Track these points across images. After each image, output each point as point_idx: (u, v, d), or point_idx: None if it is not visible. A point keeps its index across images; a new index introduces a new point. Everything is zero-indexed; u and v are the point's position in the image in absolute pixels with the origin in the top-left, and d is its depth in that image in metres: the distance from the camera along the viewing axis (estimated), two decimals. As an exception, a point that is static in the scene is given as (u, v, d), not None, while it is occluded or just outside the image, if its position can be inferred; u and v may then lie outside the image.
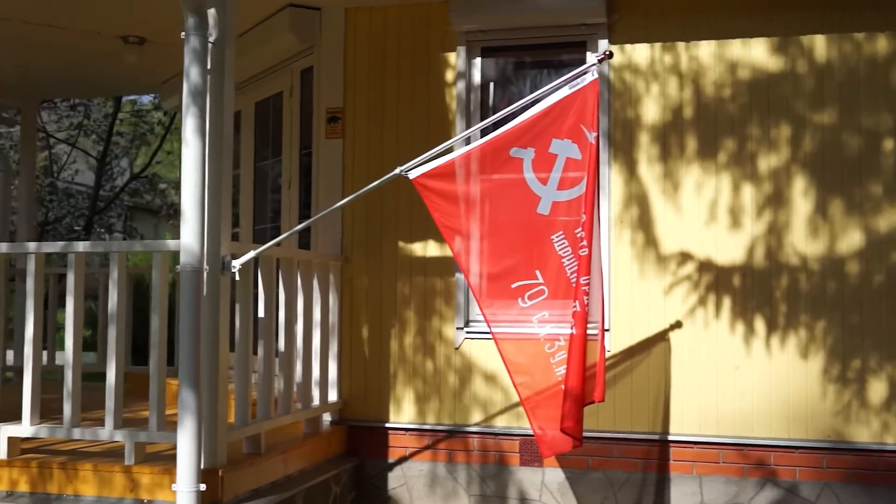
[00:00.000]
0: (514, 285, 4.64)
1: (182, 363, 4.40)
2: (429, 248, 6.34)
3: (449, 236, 4.70)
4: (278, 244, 5.12)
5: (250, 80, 7.79)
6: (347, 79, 6.64)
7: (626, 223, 6.07)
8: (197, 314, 4.49)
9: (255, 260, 5.15)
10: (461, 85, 6.40)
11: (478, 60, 6.47)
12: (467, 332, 6.24)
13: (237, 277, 4.88)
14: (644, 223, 6.05)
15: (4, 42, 7.81)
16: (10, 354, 8.46)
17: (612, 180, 6.12)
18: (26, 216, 9.29)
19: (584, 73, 4.62)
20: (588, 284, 4.48)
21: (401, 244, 6.42)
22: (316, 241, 6.67)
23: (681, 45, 6.10)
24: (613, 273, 6.05)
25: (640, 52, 6.17)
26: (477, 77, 6.45)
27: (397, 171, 4.73)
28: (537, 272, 4.63)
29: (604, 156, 6.11)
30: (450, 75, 6.48)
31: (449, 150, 4.73)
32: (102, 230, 16.31)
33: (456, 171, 4.67)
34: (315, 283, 6.14)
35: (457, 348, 6.26)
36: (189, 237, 4.51)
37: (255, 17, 7.01)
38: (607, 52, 4.59)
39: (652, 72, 6.13)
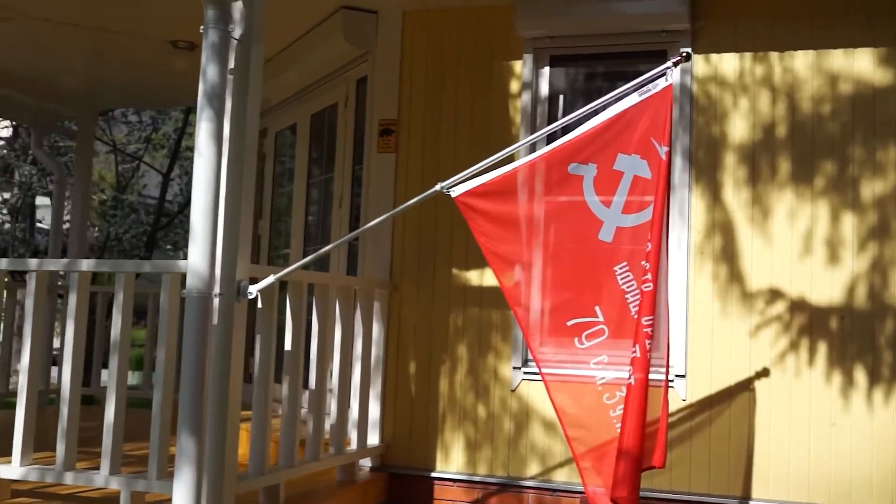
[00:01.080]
0: (570, 322, 3.97)
1: (182, 402, 3.84)
2: (486, 276, 5.71)
3: (495, 264, 4.07)
4: (305, 267, 4.55)
5: (305, 90, 7.29)
6: (403, 88, 6.07)
7: (708, 254, 5.34)
8: (202, 345, 3.93)
9: (282, 285, 4.59)
10: (526, 97, 5.77)
11: (546, 70, 5.83)
12: (525, 373, 5.58)
13: (259, 304, 4.34)
14: (728, 255, 5.32)
15: (58, 48, 7.47)
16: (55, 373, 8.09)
17: (693, 205, 5.40)
18: (78, 231, 8.93)
19: (657, 78, 3.95)
20: (651, 325, 3.79)
21: (455, 271, 5.80)
22: (363, 266, 6.10)
23: (773, 56, 5.37)
24: (692, 311, 5.32)
25: (728, 63, 5.45)
26: (544, 88, 5.81)
27: (438, 187, 4.12)
28: (597, 308, 3.95)
29: (684, 177, 5.40)
30: (514, 86, 5.85)
31: (498, 165, 4.10)
32: (169, 247, 16.08)
33: (505, 190, 4.04)
34: (357, 312, 5.56)
35: (513, 390, 5.59)
36: (197, 258, 3.96)
37: (308, 22, 6.51)
38: (683, 54, 3.91)
39: (741, 85, 5.41)
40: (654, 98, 3.94)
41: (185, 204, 15.46)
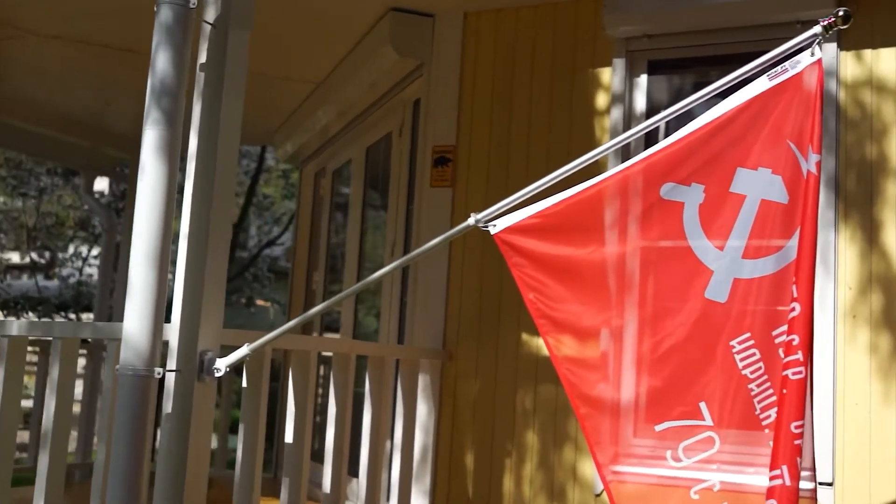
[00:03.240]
0: (660, 427, 2.65)
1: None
2: (563, 345, 4.37)
3: (548, 334, 2.79)
4: (300, 326, 3.34)
5: (360, 117, 6.14)
6: (463, 107, 4.86)
7: (863, 318, 3.92)
8: (138, 443, 2.76)
9: (283, 356, 3.40)
10: (617, 113, 4.49)
11: (642, 79, 4.54)
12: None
13: (242, 383, 3.16)
14: (891, 320, 3.89)
15: (99, 75, 6.58)
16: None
17: (842, 251, 4.00)
18: (124, 283, 7.97)
19: (796, 53, 2.63)
20: (802, 434, 2.42)
21: (525, 336, 4.51)
22: (411, 331, 4.86)
23: (954, 49, 3.97)
24: (842, 395, 3.90)
25: (889, 61, 4.07)
26: (641, 102, 4.52)
27: (471, 220, 2.87)
28: (702, 406, 2.62)
29: (829, 214, 4.02)
30: (602, 100, 4.58)
31: (556, 189, 2.83)
32: (243, 300, 15.13)
33: (565, 225, 2.78)
34: (398, 388, 4.33)
35: (597, 495, 4.23)
36: (134, 323, 2.81)
37: (356, 31, 5.37)
38: (840, 13, 2.58)
39: (907, 89, 4.02)
40: (793, 83, 2.62)
41: (256, 255, 14.62)
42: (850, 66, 4.13)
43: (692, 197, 2.69)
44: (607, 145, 2.86)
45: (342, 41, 5.56)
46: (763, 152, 2.64)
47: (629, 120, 4.50)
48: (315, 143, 7.11)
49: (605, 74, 4.57)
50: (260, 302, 15.96)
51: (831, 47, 4.12)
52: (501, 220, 2.83)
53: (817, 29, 2.59)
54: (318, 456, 4.55)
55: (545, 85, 4.70)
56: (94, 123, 7.74)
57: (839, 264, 3.99)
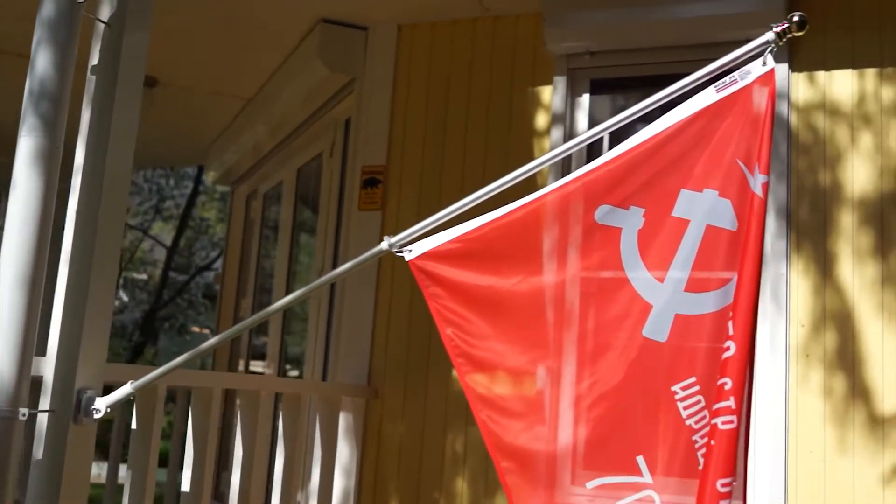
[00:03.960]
0: (591, 484, 2.32)
1: None
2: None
3: (466, 371, 2.47)
4: (199, 358, 2.98)
5: (292, 136, 5.80)
6: (395, 125, 4.55)
7: (816, 358, 3.65)
8: (-4, 497, 2.39)
9: (187, 394, 3.04)
10: (557, 134, 4.21)
11: (584, 98, 4.27)
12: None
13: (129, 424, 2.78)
14: (847, 360, 3.62)
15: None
16: None
17: (794, 286, 3.74)
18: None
19: (746, 62, 2.35)
20: (730, 494, 2.10)
21: (455, 376, 4.14)
22: (335, 365, 4.51)
23: (912, 72, 3.74)
24: (793, 442, 3.62)
25: (842, 83, 3.83)
26: (583, 122, 4.24)
27: (384, 244, 2.54)
28: (640, 461, 2.30)
29: (780, 245, 3.75)
30: (542, 119, 4.30)
31: (478, 211, 2.51)
32: (169, 326, 14.65)
33: (487, 251, 2.46)
34: (317, 429, 3.97)
35: (531, 545, 3.89)
36: (-3, 355, 2.43)
37: (287, 44, 5.04)
38: (795, 19, 2.30)
39: (861, 113, 3.78)
40: (742, 96, 2.34)
41: (189, 280, 14.14)
42: (801, 88, 3.89)
43: (630, 222, 2.39)
44: (534, 163, 2.54)
45: (273, 54, 5.24)
46: (709, 172, 2.35)
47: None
48: (247, 164, 6.75)
49: (546, 93, 4.29)
50: (196, 329, 15.48)
51: (782, 68, 3.88)
52: (418, 244, 2.51)
53: (769, 36, 2.31)
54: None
55: (482, 103, 4.41)
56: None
57: (791, 299, 3.72)
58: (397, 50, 4.60)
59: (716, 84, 2.38)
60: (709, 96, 2.37)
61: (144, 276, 14.90)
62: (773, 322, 3.69)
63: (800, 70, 3.90)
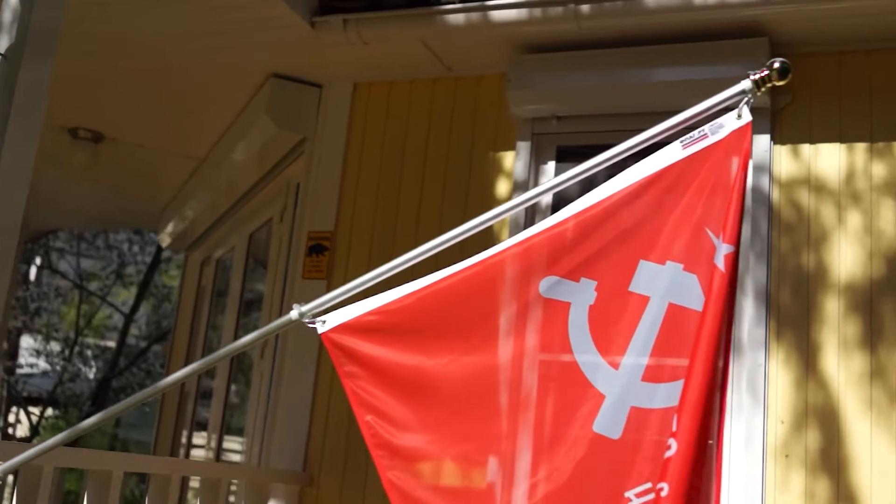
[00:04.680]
0: None
1: None
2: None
3: (386, 466, 2.09)
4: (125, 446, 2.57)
5: (243, 201, 5.46)
6: (346, 188, 4.21)
7: (797, 459, 3.27)
8: None
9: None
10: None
11: (549, 166, 3.95)
12: None
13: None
14: (831, 462, 3.24)
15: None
16: None
17: (773, 378, 3.37)
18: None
19: (719, 115, 2.02)
20: None
21: (400, 462, 3.75)
22: (269, 448, 4.09)
23: (904, 147, 3.44)
24: (770, 553, 3.21)
25: (828, 157, 3.52)
26: (546, 197, 3.89)
27: (294, 313, 2.18)
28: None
29: (758, 333, 3.40)
30: (503, 187, 3.97)
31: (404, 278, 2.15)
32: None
33: (413, 324, 2.09)
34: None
35: None
36: None
37: (237, 98, 4.72)
38: (776, 65, 1.96)
39: (849, 190, 3.46)
40: (713, 153, 2.00)
41: (144, 350, 13.72)
42: (784, 161, 3.57)
43: (581, 296, 2.03)
44: (465, 227, 2.18)
45: (224, 111, 4.92)
46: (672, 242, 1.99)
47: (533, 212, 3.88)
48: (200, 228, 6.39)
49: (508, 159, 3.97)
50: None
51: (764, 140, 3.58)
52: (334, 315, 2.15)
53: (746, 84, 1.98)
54: None
55: (439, 167, 4.08)
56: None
57: (770, 393, 3.35)
58: (351, 109, 4.29)
59: (682, 139, 2.04)
60: (674, 153, 2.04)
61: (111, 344, 14.44)
62: (750, 417, 3.32)
63: (783, 142, 3.59)
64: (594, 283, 2.02)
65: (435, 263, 2.12)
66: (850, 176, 3.48)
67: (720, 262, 1.88)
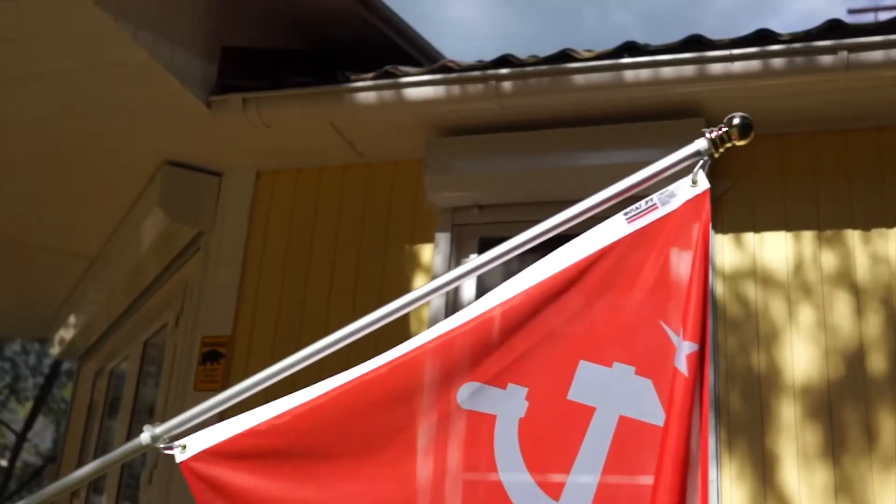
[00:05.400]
0: None
1: None
2: None
3: None
4: None
5: (137, 305, 4.96)
6: (246, 287, 3.78)
7: (758, 589, 2.86)
8: None
9: None
10: (439, 302, 3.49)
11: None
12: None
13: None
14: (796, 591, 2.84)
15: None
16: None
17: (726, 495, 2.98)
18: None
19: (670, 180, 1.67)
20: None
21: None
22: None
23: (854, 235, 3.15)
24: None
25: (774, 247, 3.22)
26: (469, 289, 3.53)
27: (145, 436, 1.74)
28: None
29: (708, 443, 2.99)
30: (420, 283, 3.57)
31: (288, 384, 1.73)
32: None
33: (296, 447, 1.65)
34: None
35: None
36: None
37: (129, 189, 4.28)
38: (735, 122, 1.62)
39: (800, 283, 3.15)
40: (667, 227, 1.64)
41: (38, 471, 12.82)
42: (728, 252, 3.26)
43: (508, 407, 1.62)
44: (362, 322, 1.78)
45: (115, 203, 4.49)
46: (621, 338, 1.61)
47: (453, 311, 3.46)
48: (92, 336, 5.85)
49: (426, 252, 3.59)
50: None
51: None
52: (195, 438, 1.70)
53: (701, 144, 1.64)
54: None
55: (350, 264, 3.68)
56: None
57: (724, 512, 2.95)
58: (254, 200, 3.89)
59: (627, 211, 1.68)
60: (617, 228, 1.67)
61: (4, 463, 13.44)
62: (703, 542, 2.90)
63: (725, 231, 3.27)
64: (524, 391, 1.62)
65: (318, 373, 1.70)
66: (798, 266, 3.17)
67: (682, 365, 1.50)
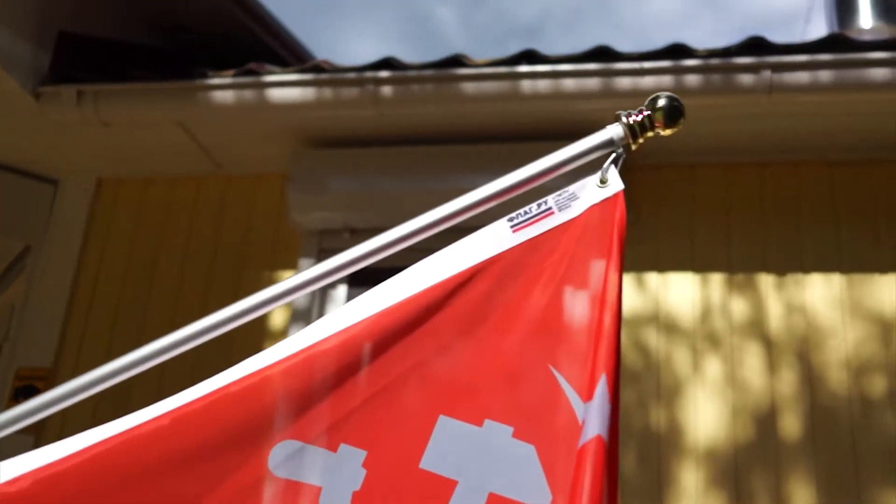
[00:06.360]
0: None
1: None
2: None
3: None
4: None
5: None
6: (75, 310, 3.25)
7: None
8: None
9: None
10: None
11: (340, 292, 3.12)
12: None
13: None
14: None
15: None
16: None
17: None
18: None
19: (572, 179, 1.25)
20: None
21: None
22: None
23: (766, 280, 2.81)
24: None
25: (679, 290, 2.87)
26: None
27: None
28: None
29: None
30: (279, 317, 3.12)
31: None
32: None
33: (81, 497, 1.16)
34: None
35: None
36: None
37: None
38: (660, 104, 1.22)
39: (707, 332, 2.79)
40: (566, 237, 1.22)
41: None
42: (627, 294, 2.88)
43: (339, 476, 1.17)
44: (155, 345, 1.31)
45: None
46: (495, 388, 1.18)
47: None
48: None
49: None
50: None
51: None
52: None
53: (616, 131, 1.23)
54: None
55: (198, 291, 3.19)
56: None
57: None
58: (91, 211, 3.37)
59: (512, 216, 1.27)
60: (499, 237, 1.25)
61: None
62: None
63: (625, 270, 2.88)
64: (361, 455, 1.17)
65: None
66: (706, 313, 2.81)
67: (581, 428, 1.07)
